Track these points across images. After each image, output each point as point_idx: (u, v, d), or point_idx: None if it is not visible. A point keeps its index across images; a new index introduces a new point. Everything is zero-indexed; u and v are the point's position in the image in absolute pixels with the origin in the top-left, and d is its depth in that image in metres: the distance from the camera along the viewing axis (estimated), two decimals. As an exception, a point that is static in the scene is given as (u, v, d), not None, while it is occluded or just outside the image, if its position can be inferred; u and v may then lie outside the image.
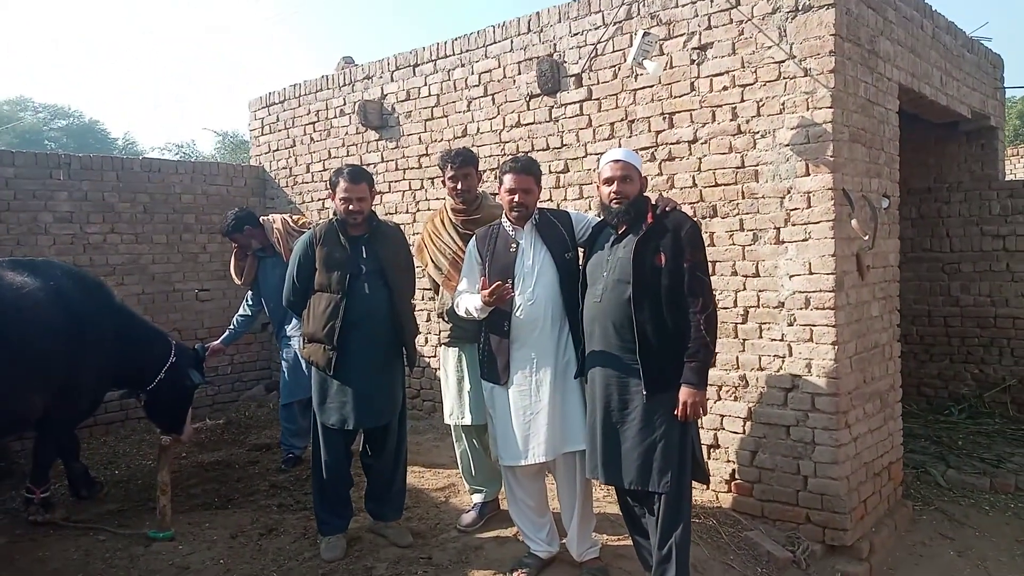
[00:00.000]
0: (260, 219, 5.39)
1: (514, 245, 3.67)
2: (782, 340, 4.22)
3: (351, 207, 3.81)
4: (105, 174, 6.69)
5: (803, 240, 4.12)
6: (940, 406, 6.85)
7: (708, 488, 4.32)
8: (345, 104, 6.73)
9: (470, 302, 3.64)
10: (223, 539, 4.11)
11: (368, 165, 6.53)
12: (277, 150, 7.50)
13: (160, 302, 7.00)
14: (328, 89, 6.90)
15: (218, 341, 5.41)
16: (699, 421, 3.52)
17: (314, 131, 7.06)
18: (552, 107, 5.21)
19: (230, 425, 6.65)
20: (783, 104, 4.16)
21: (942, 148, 6.80)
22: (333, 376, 3.79)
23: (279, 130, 7.45)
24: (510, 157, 3.75)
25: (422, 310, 6.13)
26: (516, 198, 3.62)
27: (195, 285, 7.21)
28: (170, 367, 4.72)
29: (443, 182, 4.23)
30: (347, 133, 6.74)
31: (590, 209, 4.93)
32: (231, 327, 5.53)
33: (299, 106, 7.20)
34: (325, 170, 6.83)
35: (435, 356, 4.31)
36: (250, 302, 5.53)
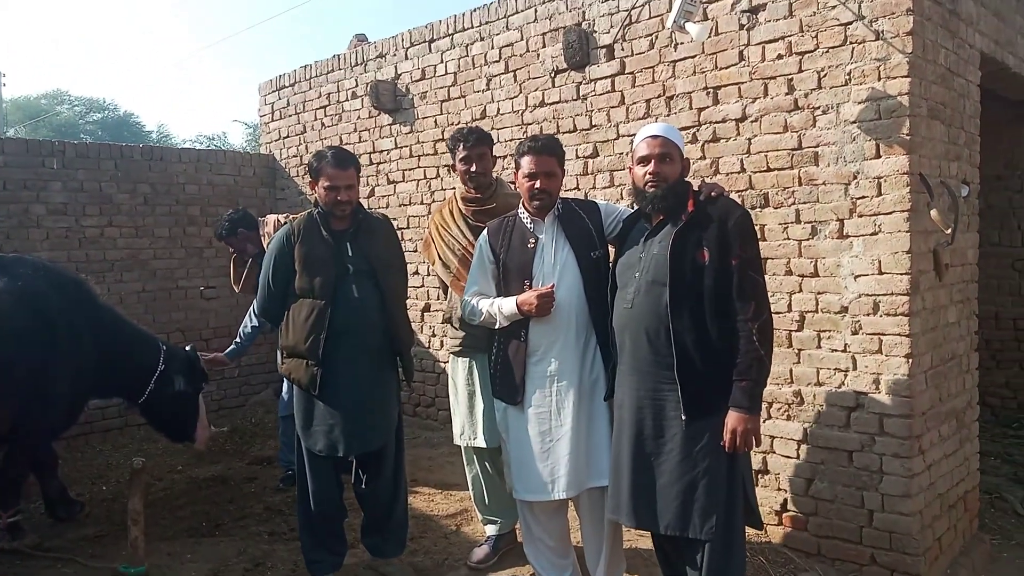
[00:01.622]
0: (259, 220, 4.92)
1: (532, 240, 3.12)
2: (845, 351, 3.61)
3: (339, 197, 3.27)
4: (103, 163, 6.27)
5: (872, 234, 3.51)
6: (1008, 419, 6.18)
7: (763, 533, 3.72)
8: (357, 86, 6.23)
9: (499, 306, 3.09)
10: (202, 575, 3.63)
11: (381, 152, 6.04)
12: (287, 136, 7.03)
13: (162, 300, 6.57)
14: (340, 69, 6.40)
15: (223, 353, 4.80)
16: (750, 452, 2.95)
17: (325, 116, 6.57)
18: (580, 83, 4.64)
19: (234, 433, 6.19)
20: (849, 74, 3.54)
21: (1016, 130, 6.10)
22: (318, 396, 3.26)
23: (289, 115, 6.97)
24: (528, 136, 3.20)
25: (436, 310, 5.62)
26: (537, 184, 3.07)
27: (200, 282, 6.76)
28: (159, 376, 4.22)
29: (452, 167, 3.71)
30: (359, 117, 6.23)
31: (622, 199, 4.37)
32: (236, 340, 4.94)
33: (310, 89, 6.72)
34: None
35: (448, 360, 3.79)
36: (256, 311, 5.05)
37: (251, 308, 5.04)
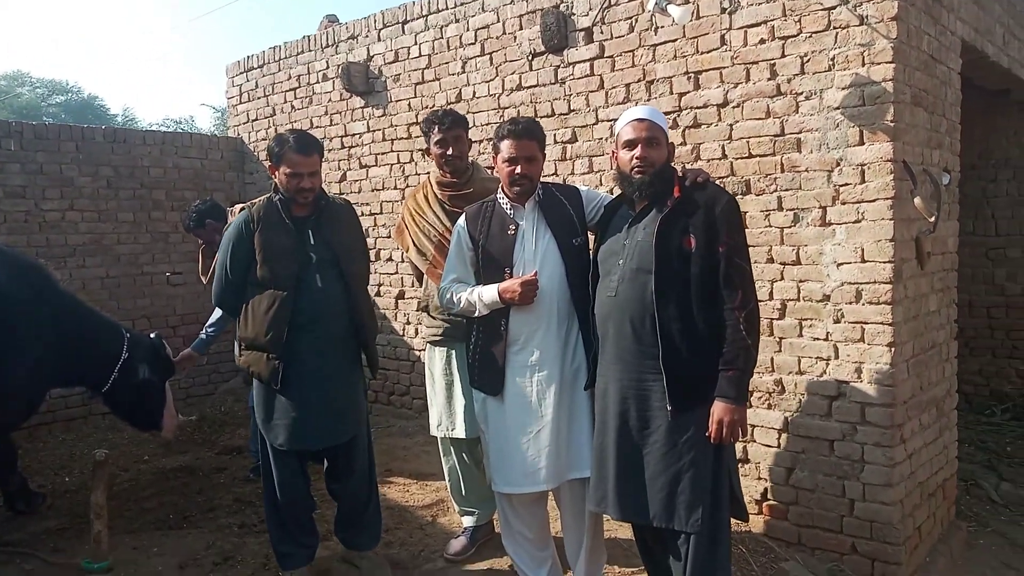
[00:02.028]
0: (227, 210, 4.76)
1: (512, 227, 3.03)
2: (827, 340, 3.58)
3: (302, 184, 3.10)
4: (63, 144, 6.05)
5: (855, 221, 3.47)
6: (981, 405, 6.23)
7: (747, 525, 3.68)
8: (328, 68, 6.07)
9: (480, 295, 2.99)
10: (170, 569, 3.51)
11: (353, 136, 5.90)
12: (256, 120, 6.84)
13: (127, 286, 6.38)
14: (310, 51, 6.23)
15: (189, 348, 4.64)
16: (735, 443, 2.90)
17: (295, 98, 6.40)
18: (558, 67, 4.54)
19: (203, 422, 6.04)
20: (833, 59, 3.49)
21: (991, 120, 6.13)
22: (280, 391, 3.13)
23: (258, 97, 6.79)
24: (507, 120, 3.10)
25: (411, 297, 5.51)
26: (518, 169, 2.98)
27: (166, 268, 6.57)
28: (123, 365, 4.05)
29: (425, 151, 3.60)
30: (330, 100, 6.07)
31: (601, 185, 4.30)
32: (203, 332, 4.80)
33: (279, 71, 6.53)
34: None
35: (425, 349, 3.70)
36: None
37: None
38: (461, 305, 3.07)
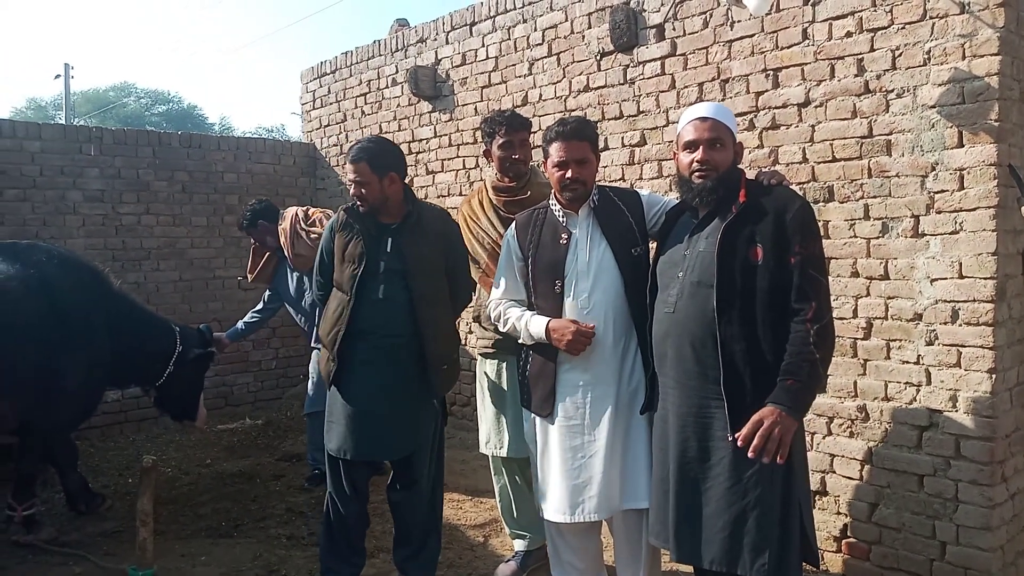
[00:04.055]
0: (281, 212, 4.74)
1: (565, 236, 2.82)
2: (918, 363, 3.23)
3: (353, 192, 3.12)
4: (140, 149, 6.15)
5: (952, 233, 3.12)
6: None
7: (817, 570, 3.36)
8: (397, 72, 5.99)
9: (528, 324, 2.80)
10: (213, 581, 3.44)
11: (420, 141, 5.80)
12: (328, 125, 6.84)
13: (199, 290, 6.44)
14: (380, 56, 6.17)
15: (223, 334, 4.80)
16: (807, 477, 2.60)
17: (365, 103, 6.35)
18: (627, 66, 4.31)
19: (268, 427, 6.07)
20: (928, 53, 3.15)
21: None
22: (340, 394, 3.11)
23: (330, 103, 6.78)
24: (556, 121, 2.89)
25: (472, 306, 5.35)
26: (569, 173, 2.77)
27: (237, 272, 6.59)
28: (178, 358, 4.18)
29: (486, 153, 3.43)
30: (399, 105, 5.99)
31: (670, 190, 4.04)
32: (241, 322, 4.95)
33: (350, 76, 6.51)
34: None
35: (477, 362, 3.54)
36: (266, 300, 4.93)
37: (264, 295, 4.99)
38: (507, 327, 2.91)
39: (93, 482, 4.55)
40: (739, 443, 2.31)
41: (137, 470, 4.99)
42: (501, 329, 2.97)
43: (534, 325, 2.77)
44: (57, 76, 31.06)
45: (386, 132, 6.07)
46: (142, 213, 6.15)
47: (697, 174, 2.50)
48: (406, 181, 3.21)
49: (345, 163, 3.18)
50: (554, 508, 2.79)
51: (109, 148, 6.01)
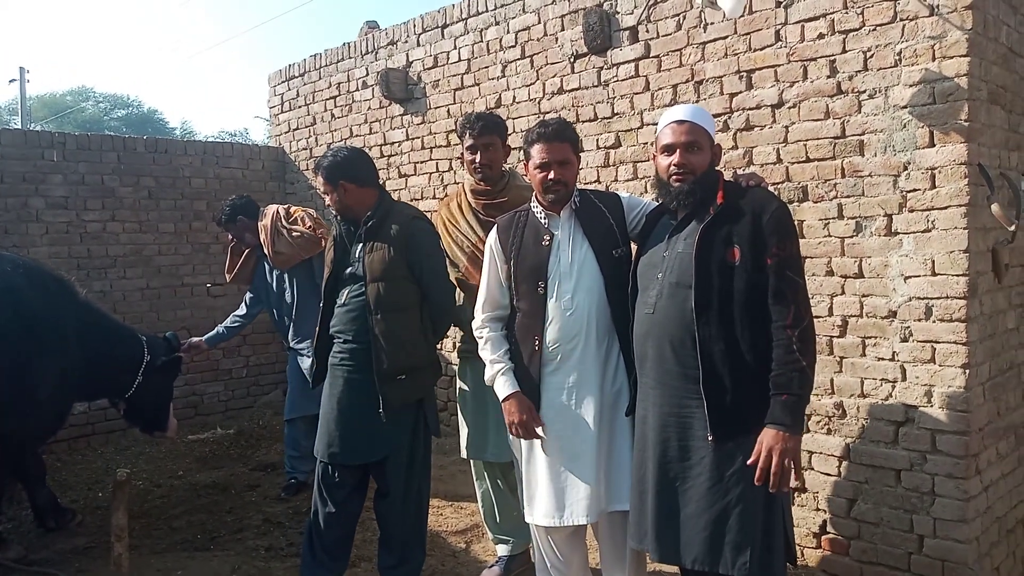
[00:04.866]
0: (261, 209, 4.65)
1: (547, 237, 2.81)
2: (893, 360, 3.28)
3: (327, 203, 3.22)
4: (105, 155, 6.03)
5: (924, 231, 3.17)
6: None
7: (794, 567, 3.39)
8: (368, 75, 5.95)
9: (496, 375, 2.85)
10: (191, 595, 3.38)
11: (392, 144, 5.76)
12: (297, 129, 6.76)
13: (167, 297, 6.33)
14: (350, 58, 6.12)
15: (202, 338, 4.67)
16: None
17: (335, 106, 6.29)
18: (601, 68, 4.32)
19: (240, 436, 5.97)
20: (900, 54, 3.20)
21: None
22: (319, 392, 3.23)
23: (299, 106, 6.70)
24: (537, 122, 2.89)
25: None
26: (551, 175, 2.76)
27: (206, 279, 6.51)
28: (147, 368, 4.07)
29: (461, 156, 3.41)
30: (369, 108, 5.95)
31: (646, 192, 4.05)
32: (222, 326, 4.81)
33: (320, 79, 6.44)
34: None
35: (457, 364, 3.52)
36: (248, 303, 4.82)
37: (244, 297, 4.88)
38: (482, 356, 2.92)
39: (62, 497, 4.44)
40: (757, 480, 2.30)
41: (110, 484, 4.92)
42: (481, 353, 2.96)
43: (500, 384, 2.83)
44: (12, 80, 30.50)
45: (357, 135, 6.03)
46: (107, 220, 6.03)
47: (675, 178, 2.51)
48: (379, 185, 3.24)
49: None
50: (542, 512, 2.78)
51: (72, 154, 5.88)
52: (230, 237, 4.73)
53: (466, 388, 3.42)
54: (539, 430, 2.74)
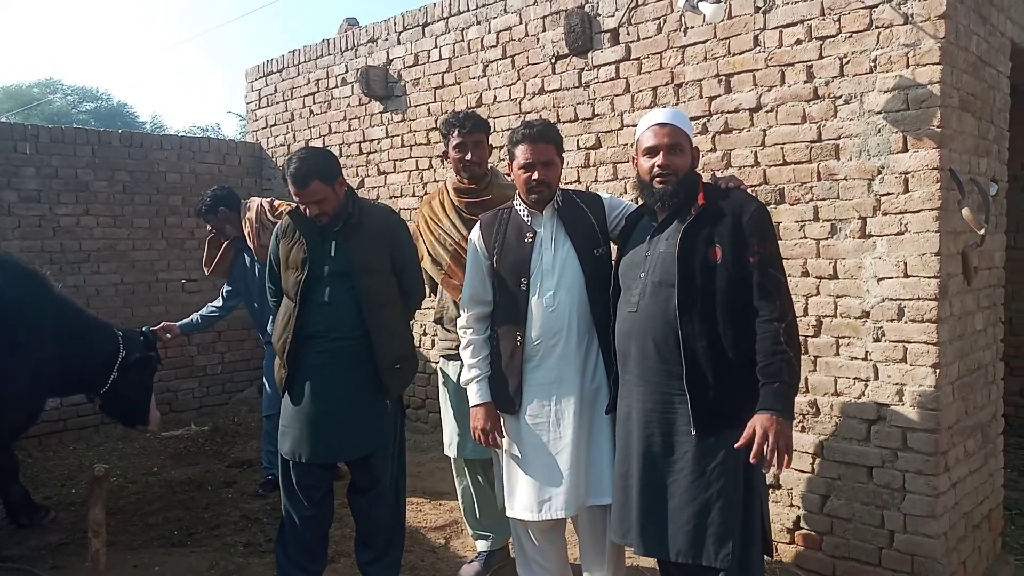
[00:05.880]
0: (242, 202, 4.62)
1: (530, 235, 2.85)
2: (866, 359, 3.36)
3: (308, 212, 3.03)
4: (79, 148, 5.97)
5: (897, 234, 3.25)
6: (1021, 428, 5.94)
7: (773, 560, 3.46)
8: (347, 72, 5.94)
9: (470, 381, 2.93)
10: (169, 592, 3.36)
11: (372, 141, 5.76)
12: (274, 125, 6.73)
13: (141, 293, 6.27)
14: (329, 55, 6.11)
15: (176, 324, 4.60)
16: (766, 473, 2.68)
17: (313, 103, 6.28)
18: (582, 69, 4.36)
19: (215, 433, 5.92)
20: (875, 61, 3.28)
21: (1035, 128, 5.83)
22: (290, 399, 3.05)
23: (277, 102, 6.68)
24: (521, 123, 2.92)
25: (427, 308, 5.34)
26: (535, 175, 2.79)
27: (181, 274, 6.46)
28: (122, 363, 4.02)
29: (443, 155, 3.44)
30: (349, 105, 5.94)
31: (626, 193, 4.11)
32: (197, 315, 4.76)
33: (298, 75, 6.42)
34: (325, 147, 6.03)
35: (439, 364, 3.54)
36: (225, 296, 4.78)
37: (221, 289, 4.83)
38: (462, 356, 2.99)
39: (34, 493, 4.39)
40: (752, 457, 2.33)
41: (83, 480, 4.88)
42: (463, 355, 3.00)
43: (472, 390, 2.91)
44: (-23, 71, 29.84)
45: (336, 132, 6.02)
46: (81, 214, 5.96)
47: (658, 179, 2.55)
48: (358, 182, 3.19)
49: (288, 183, 3.06)
50: (522, 506, 2.81)
51: (46, 147, 5.80)
52: (209, 229, 4.68)
53: (449, 386, 3.44)
54: (502, 441, 2.88)
